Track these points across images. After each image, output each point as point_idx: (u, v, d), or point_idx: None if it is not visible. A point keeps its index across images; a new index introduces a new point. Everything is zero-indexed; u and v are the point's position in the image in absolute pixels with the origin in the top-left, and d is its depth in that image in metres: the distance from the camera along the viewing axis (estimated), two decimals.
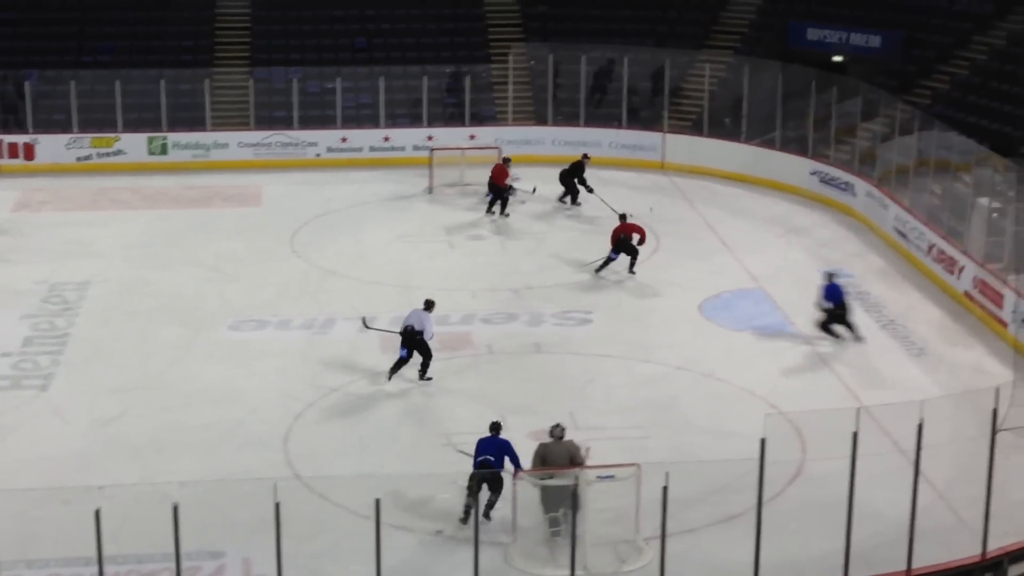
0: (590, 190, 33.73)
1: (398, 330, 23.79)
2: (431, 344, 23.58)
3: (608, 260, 29.08)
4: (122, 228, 32.58)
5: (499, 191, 33.31)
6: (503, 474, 18.53)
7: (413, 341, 23.47)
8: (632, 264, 29.16)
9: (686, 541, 17.85)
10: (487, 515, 18.54)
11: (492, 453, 18.84)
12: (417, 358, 23.59)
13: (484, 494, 18.41)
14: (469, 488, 18.31)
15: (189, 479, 19.08)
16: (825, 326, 25.59)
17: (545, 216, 33.66)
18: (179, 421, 22.10)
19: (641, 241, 29.26)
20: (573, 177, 34.07)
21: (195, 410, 22.51)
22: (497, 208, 33.43)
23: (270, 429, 21.79)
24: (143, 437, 21.54)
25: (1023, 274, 25.46)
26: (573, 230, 32.45)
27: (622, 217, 29.75)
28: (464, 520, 18.41)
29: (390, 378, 23.50)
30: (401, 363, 23.51)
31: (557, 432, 18.53)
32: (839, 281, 26.11)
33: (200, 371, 24.24)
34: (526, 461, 18.60)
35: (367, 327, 24.79)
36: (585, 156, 34.38)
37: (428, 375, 23.69)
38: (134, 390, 23.35)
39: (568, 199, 34.16)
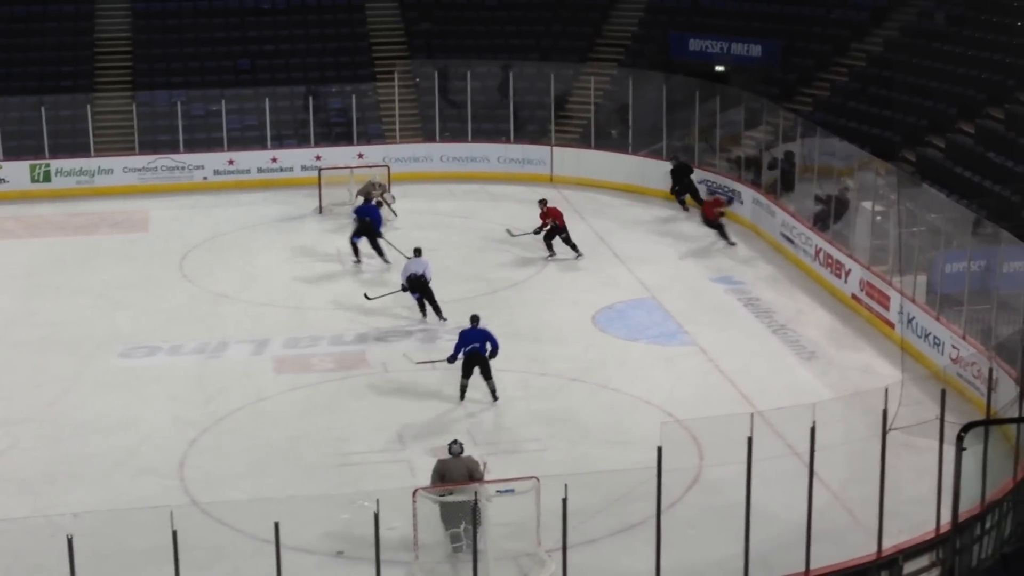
0: None
1: (401, 284, 27.19)
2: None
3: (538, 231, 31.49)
4: (6, 258, 32.00)
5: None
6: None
7: (421, 286, 27.00)
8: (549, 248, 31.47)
9: (587, 552, 17.90)
10: (495, 398, 23.43)
11: (478, 340, 23.38)
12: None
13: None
14: (463, 371, 23.34)
15: (83, 510, 18.79)
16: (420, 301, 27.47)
17: (436, 229, 33.56)
18: (71, 452, 21.74)
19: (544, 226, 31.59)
20: None
21: (87, 440, 22.16)
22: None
23: (164, 456, 21.52)
24: (33, 469, 21.15)
25: (908, 275, 25.90)
26: (465, 246, 32.44)
27: (542, 203, 31.85)
28: (462, 398, 23.40)
29: (429, 315, 27.30)
30: (421, 304, 27.23)
31: (455, 448, 18.53)
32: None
33: (91, 400, 23.88)
34: (425, 478, 18.59)
35: (369, 298, 27.76)
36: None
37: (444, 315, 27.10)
38: (23, 422, 22.93)
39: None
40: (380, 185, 34.30)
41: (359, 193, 33.49)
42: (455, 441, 18.69)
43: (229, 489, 20.26)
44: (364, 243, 31.00)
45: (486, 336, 23.47)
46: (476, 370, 23.44)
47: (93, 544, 16.25)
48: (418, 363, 24.92)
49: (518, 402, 23.66)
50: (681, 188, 35.36)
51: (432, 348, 25.82)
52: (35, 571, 17.01)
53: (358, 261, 30.96)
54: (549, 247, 31.39)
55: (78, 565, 14.80)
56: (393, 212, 34.31)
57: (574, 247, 31.43)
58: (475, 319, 23.87)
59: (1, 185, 37.18)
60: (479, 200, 36.58)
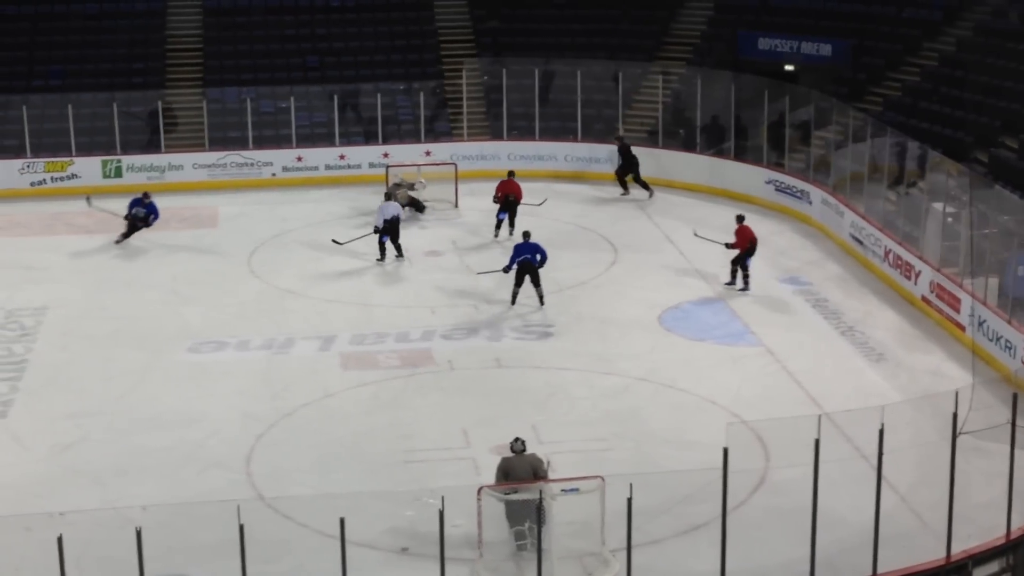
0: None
1: (375, 226, 30.71)
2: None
3: (498, 222, 32.21)
4: (78, 252, 32.38)
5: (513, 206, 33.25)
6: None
7: (394, 229, 30.57)
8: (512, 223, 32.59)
9: (651, 552, 17.84)
10: (542, 302, 27.65)
11: (529, 253, 27.45)
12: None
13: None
14: (516, 279, 27.53)
15: (151, 503, 18.95)
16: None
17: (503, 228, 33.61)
18: (140, 445, 21.95)
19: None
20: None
21: (156, 433, 22.36)
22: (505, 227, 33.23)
23: (232, 450, 21.68)
24: (104, 462, 21.38)
25: (979, 277, 25.64)
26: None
27: (509, 174, 33.06)
28: (513, 303, 27.61)
29: (395, 256, 30.83)
30: (384, 247, 30.65)
31: (517, 447, 18.52)
32: None
33: (160, 394, 24.09)
34: (490, 476, 18.60)
35: (339, 243, 31.41)
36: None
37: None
38: (94, 415, 23.19)
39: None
40: (405, 183, 34.82)
41: (387, 195, 33.01)
42: (517, 439, 18.67)
43: (295, 484, 20.38)
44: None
45: (536, 248, 27.58)
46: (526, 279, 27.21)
47: (161, 536, 16.40)
48: (479, 273, 29.31)
49: (583, 401, 23.64)
50: (625, 168, 36.41)
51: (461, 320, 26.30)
52: (104, 562, 17.16)
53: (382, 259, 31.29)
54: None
55: (146, 557, 14.95)
56: (423, 203, 34.82)
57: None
58: (527, 234, 27.96)
59: (73, 180, 37.63)
60: (540, 198, 36.55)
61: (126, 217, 32.37)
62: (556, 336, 26.67)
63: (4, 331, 27.14)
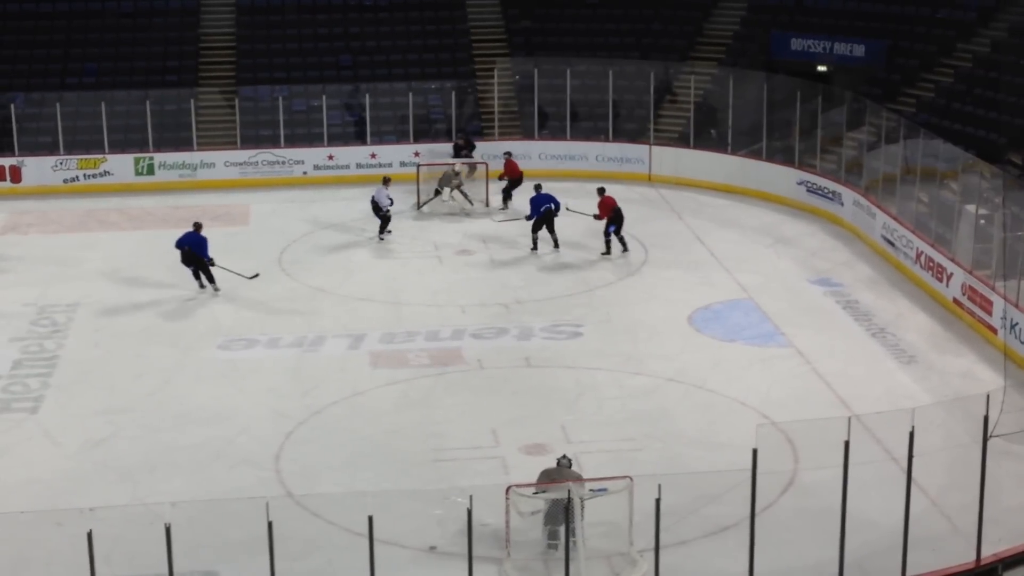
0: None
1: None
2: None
3: (607, 240, 31.64)
4: (110, 249, 32.54)
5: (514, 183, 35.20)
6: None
7: (379, 212, 32.41)
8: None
9: (680, 553, 17.82)
10: (556, 246, 31.32)
11: (548, 202, 31.20)
12: None
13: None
14: (534, 226, 31.22)
15: (181, 499, 19.05)
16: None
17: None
18: (170, 441, 22.04)
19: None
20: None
21: (186, 430, 22.45)
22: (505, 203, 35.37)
23: (261, 448, 21.75)
24: (134, 458, 21.48)
25: (1012, 280, 25.48)
26: (561, 244, 32.39)
27: (600, 191, 32.18)
28: (534, 247, 31.37)
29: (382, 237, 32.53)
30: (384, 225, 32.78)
31: (563, 462, 18.48)
32: None
33: (190, 391, 24.19)
34: (518, 476, 18.60)
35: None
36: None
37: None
38: (124, 411, 23.30)
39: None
40: (456, 175, 35.49)
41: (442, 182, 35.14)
42: (564, 455, 18.63)
43: (324, 482, 20.42)
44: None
45: (551, 198, 31.26)
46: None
47: (190, 533, 16.44)
48: (500, 222, 33.15)
49: (613, 401, 23.61)
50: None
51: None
52: (133, 558, 17.24)
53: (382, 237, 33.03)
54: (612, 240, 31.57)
55: (175, 553, 15.03)
56: (469, 202, 35.19)
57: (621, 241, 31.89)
58: (538, 187, 31.78)
59: (106, 178, 37.83)
60: (577, 198, 36.47)
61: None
62: (586, 336, 26.65)
63: (36, 327, 27.29)
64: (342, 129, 39.59)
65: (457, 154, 37.65)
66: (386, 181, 33.23)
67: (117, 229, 34.37)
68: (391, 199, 32.91)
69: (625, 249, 31.37)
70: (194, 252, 28.88)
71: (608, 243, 31.25)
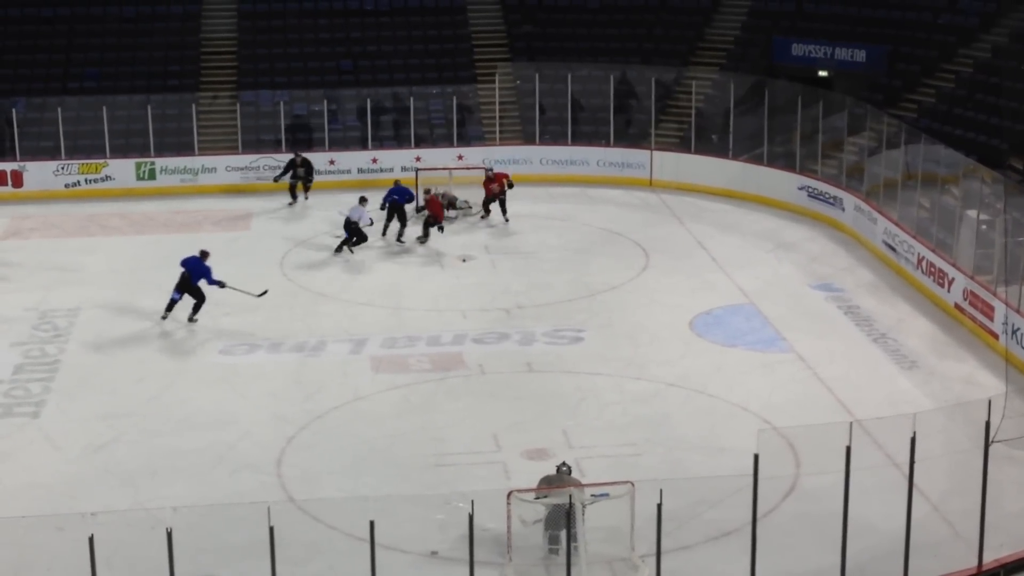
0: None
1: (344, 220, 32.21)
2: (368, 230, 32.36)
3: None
4: (111, 254, 32.55)
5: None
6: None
7: (351, 229, 31.90)
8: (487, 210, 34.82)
9: (681, 558, 17.82)
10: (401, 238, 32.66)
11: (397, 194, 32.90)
12: None
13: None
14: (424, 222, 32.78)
15: (182, 504, 19.04)
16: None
17: (535, 232, 33.67)
18: (171, 446, 22.04)
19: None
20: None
21: (187, 435, 22.45)
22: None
23: (263, 452, 21.74)
24: (135, 463, 21.48)
25: (1013, 285, 25.48)
26: (563, 249, 32.46)
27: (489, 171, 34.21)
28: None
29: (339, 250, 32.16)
30: (345, 244, 32.11)
31: (563, 470, 18.47)
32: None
33: (192, 396, 24.19)
34: (519, 481, 18.54)
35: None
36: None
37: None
38: (126, 416, 23.30)
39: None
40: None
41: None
42: (564, 463, 18.63)
43: (325, 487, 20.43)
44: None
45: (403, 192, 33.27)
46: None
47: (191, 538, 16.45)
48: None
49: (614, 406, 23.61)
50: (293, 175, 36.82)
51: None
52: (135, 563, 17.25)
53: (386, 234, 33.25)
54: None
55: (176, 558, 15.02)
56: (470, 207, 35.44)
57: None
58: (397, 182, 33.92)
59: (108, 182, 37.84)
60: (578, 203, 36.57)
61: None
62: (587, 341, 26.65)
63: (38, 332, 27.30)
64: (343, 134, 39.59)
65: (293, 171, 36.67)
66: (363, 200, 32.57)
67: (119, 234, 34.39)
68: (372, 220, 32.36)
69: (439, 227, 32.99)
70: (190, 277, 27.53)
71: (427, 232, 32.86)
